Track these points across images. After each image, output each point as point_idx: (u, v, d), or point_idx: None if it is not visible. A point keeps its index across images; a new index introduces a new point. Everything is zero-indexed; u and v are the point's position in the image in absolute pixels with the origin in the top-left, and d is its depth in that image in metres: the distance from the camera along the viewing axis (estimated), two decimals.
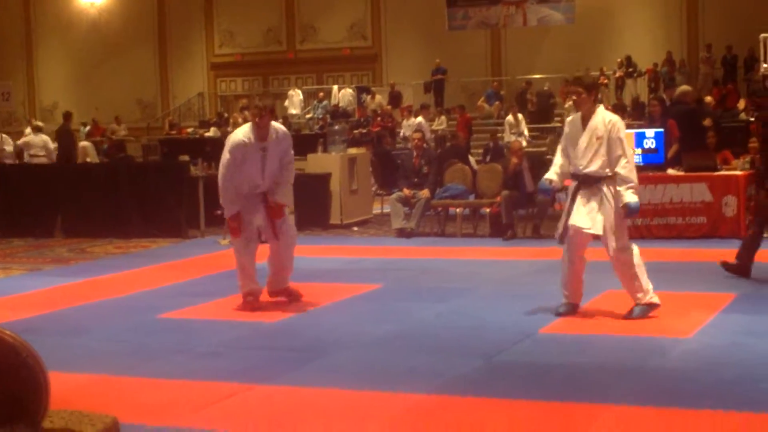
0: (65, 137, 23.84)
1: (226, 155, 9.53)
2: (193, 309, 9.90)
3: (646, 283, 8.71)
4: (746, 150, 15.16)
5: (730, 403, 6.15)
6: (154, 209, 16.16)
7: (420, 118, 27.33)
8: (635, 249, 8.73)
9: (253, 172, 9.55)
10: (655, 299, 8.73)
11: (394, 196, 15.62)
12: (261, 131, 9.51)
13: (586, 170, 8.69)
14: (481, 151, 25.88)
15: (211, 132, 29.98)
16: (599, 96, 8.93)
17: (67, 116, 24.37)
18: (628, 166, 8.57)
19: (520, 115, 28.08)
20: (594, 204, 8.68)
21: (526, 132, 27.38)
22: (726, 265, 10.78)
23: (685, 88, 15.97)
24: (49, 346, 7.92)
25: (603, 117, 8.71)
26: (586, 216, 8.72)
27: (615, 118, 8.80)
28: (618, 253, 8.68)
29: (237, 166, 9.47)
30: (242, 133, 9.59)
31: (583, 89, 8.85)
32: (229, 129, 30.05)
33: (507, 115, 28.60)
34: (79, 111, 36.63)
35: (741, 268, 10.66)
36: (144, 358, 7.86)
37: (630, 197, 8.51)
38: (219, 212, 10.71)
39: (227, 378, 7.12)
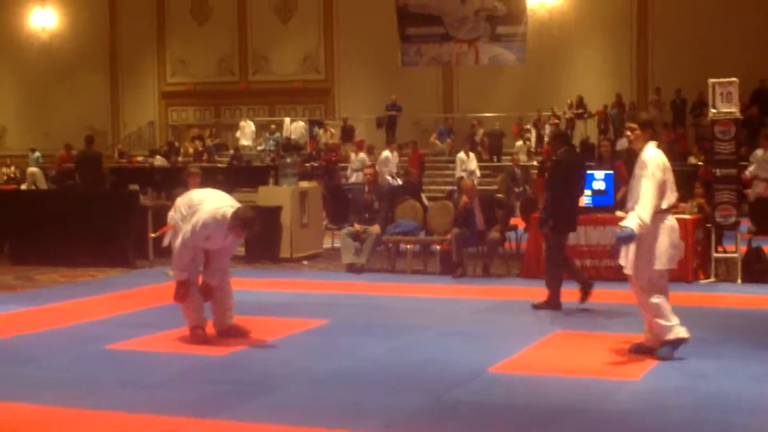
0: (91, 162, 22.11)
1: (197, 225, 9.39)
2: (140, 340, 9.81)
3: (667, 320, 8.74)
4: (692, 195, 15.31)
5: None
6: (102, 238, 16.01)
7: (387, 152, 27.29)
8: (657, 297, 8.73)
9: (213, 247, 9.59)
10: (682, 334, 8.74)
11: (344, 231, 15.59)
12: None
13: (629, 205, 8.82)
14: (433, 187, 26.02)
15: (157, 160, 29.79)
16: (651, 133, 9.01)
17: (90, 140, 22.81)
18: (640, 204, 8.58)
19: (471, 153, 28.23)
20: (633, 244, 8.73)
21: (477, 170, 27.49)
22: (537, 305, 11.48)
23: None
24: None
25: (643, 154, 8.79)
26: (626, 255, 8.84)
27: (647, 155, 8.76)
28: (637, 295, 8.86)
29: (201, 241, 9.43)
30: (218, 215, 9.40)
31: (637, 126, 8.99)
32: (180, 159, 30.02)
33: (459, 152, 28.71)
34: (29, 136, 36.42)
35: (551, 303, 11.44)
36: (89, 390, 7.76)
37: (631, 222, 8.57)
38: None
39: (173, 412, 7.06)
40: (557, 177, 11.74)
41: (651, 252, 8.65)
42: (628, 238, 8.59)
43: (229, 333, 9.84)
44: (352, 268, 15.11)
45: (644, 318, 8.98)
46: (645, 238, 8.61)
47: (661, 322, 8.71)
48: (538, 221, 12.44)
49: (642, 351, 8.91)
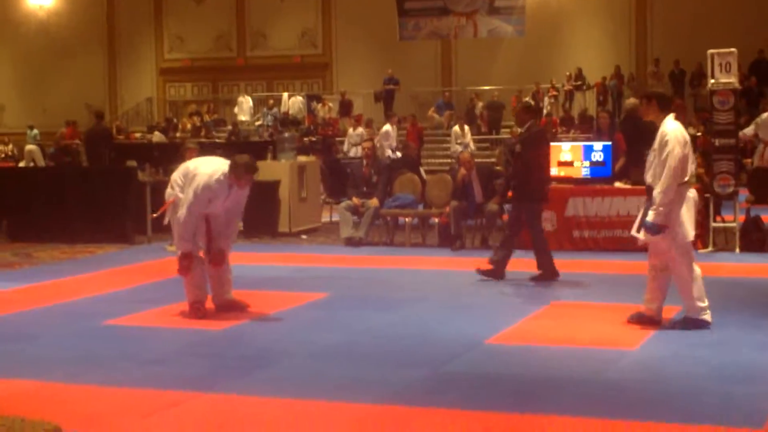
0: (101, 139, 21.19)
1: (198, 189, 9.34)
2: (138, 316, 9.82)
3: (702, 301, 8.74)
4: None
5: (674, 415, 6.19)
6: (101, 214, 16.00)
7: (387, 126, 27.21)
8: (695, 272, 8.71)
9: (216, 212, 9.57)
10: (708, 318, 8.73)
11: (343, 204, 15.60)
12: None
13: (647, 178, 8.77)
14: (431, 161, 25.99)
15: (155, 136, 29.74)
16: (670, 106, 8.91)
17: (100, 115, 22.34)
18: (662, 184, 8.48)
19: (466, 127, 28.19)
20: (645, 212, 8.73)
21: (471, 144, 27.45)
22: (481, 271, 11.58)
23: (633, 101, 16.10)
24: None
25: (662, 128, 8.69)
26: (638, 222, 8.87)
27: (668, 129, 8.64)
28: (654, 272, 8.88)
29: (204, 205, 9.43)
30: (217, 174, 9.40)
31: (644, 98, 9.04)
32: (178, 135, 29.97)
33: (455, 125, 28.66)
34: (27, 114, 36.36)
35: (496, 272, 11.53)
36: (89, 365, 7.77)
37: (649, 216, 8.54)
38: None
39: (172, 386, 7.06)
40: (528, 149, 11.66)
41: (677, 224, 8.62)
42: (653, 230, 8.57)
43: (228, 307, 9.84)
44: (350, 242, 15.13)
45: (648, 287, 8.95)
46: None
47: (698, 303, 8.69)
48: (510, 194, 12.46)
49: (641, 321, 8.91)
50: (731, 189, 14.01)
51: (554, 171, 13.86)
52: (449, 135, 28.99)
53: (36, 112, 37.12)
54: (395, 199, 15.58)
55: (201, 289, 9.78)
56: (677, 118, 8.80)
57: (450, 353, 8.02)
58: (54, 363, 7.89)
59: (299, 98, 34.27)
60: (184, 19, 37.61)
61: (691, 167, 8.84)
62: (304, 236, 16.56)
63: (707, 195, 14.15)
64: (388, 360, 7.87)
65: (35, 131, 34.46)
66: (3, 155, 34.25)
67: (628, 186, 14.17)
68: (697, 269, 8.73)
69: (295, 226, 16.65)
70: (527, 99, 19.23)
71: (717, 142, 14.13)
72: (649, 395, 6.73)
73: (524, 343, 8.41)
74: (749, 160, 18.29)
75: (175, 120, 34.47)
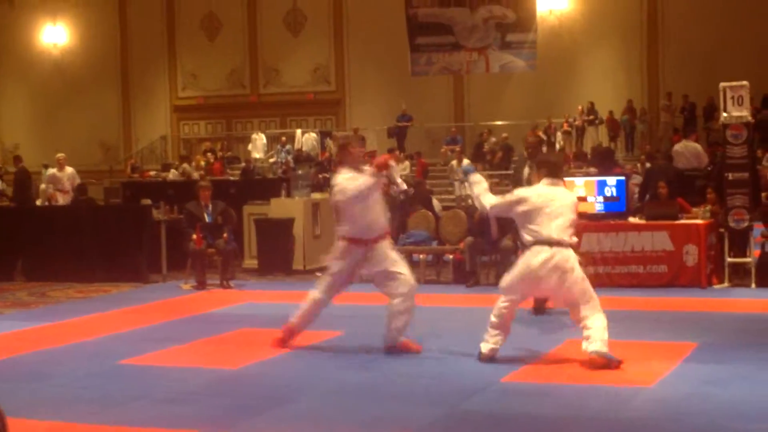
0: (26, 179, 23.09)
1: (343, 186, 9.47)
2: (153, 355, 9.82)
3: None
4: (704, 199, 15.32)
5: None
6: (116, 253, 16.05)
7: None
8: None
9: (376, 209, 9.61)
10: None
11: None
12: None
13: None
14: (445, 197, 25.88)
15: (171, 174, 29.85)
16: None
17: (17, 159, 23.60)
18: None
19: (466, 161, 28.08)
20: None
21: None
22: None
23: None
24: (9, 392, 7.90)
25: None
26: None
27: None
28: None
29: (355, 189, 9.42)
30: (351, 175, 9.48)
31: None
32: (194, 174, 30.04)
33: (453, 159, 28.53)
34: (41, 152, 36.43)
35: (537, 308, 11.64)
36: (104, 405, 7.77)
37: None
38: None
39: (189, 426, 7.06)
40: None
41: None
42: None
43: (399, 350, 9.72)
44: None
45: None
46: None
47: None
48: None
49: None
50: (746, 224, 13.98)
51: None
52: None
53: (51, 151, 37.17)
54: (409, 236, 15.58)
55: (306, 323, 9.85)
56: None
57: (466, 392, 8.00)
58: (69, 402, 7.89)
59: (313, 135, 34.35)
60: (197, 56, 37.78)
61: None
62: (318, 274, 16.50)
63: (722, 230, 14.12)
64: (404, 398, 7.85)
65: (50, 170, 34.52)
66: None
67: (642, 221, 14.16)
68: None
69: (309, 263, 16.64)
70: (540, 133, 19.33)
71: (731, 176, 14.11)
72: None
73: (541, 381, 8.38)
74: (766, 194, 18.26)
75: (189, 158, 34.53)
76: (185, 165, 31.03)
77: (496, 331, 8.98)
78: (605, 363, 8.55)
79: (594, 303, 8.79)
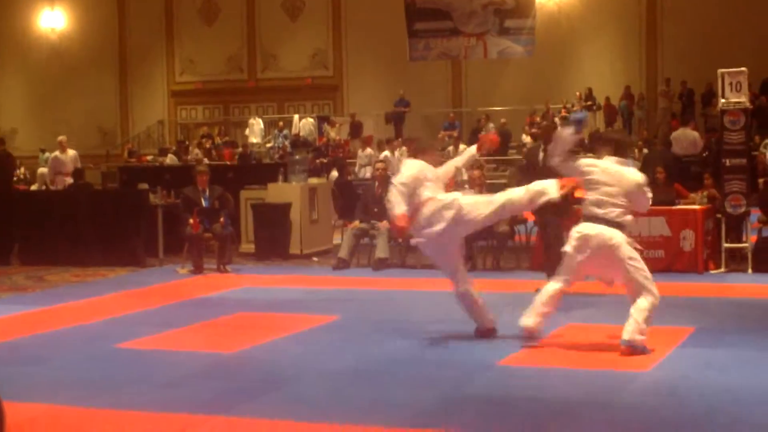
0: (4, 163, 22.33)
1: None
2: (150, 339, 9.82)
3: None
4: (701, 185, 15.33)
5: None
6: (113, 237, 16.04)
7: (386, 152, 27.19)
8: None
9: None
10: None
11: (351, 229, 15.55)
12: None
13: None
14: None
15: (168, 159, 29.81)
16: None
17: (1, 140, 23.14)
18: None
19: (462, 146, 28.02)
20: None
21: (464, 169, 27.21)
22: None
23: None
24: (6, 376, 7.90)
25: None
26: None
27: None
28: None
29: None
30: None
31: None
32: (190, 157, 30.03)
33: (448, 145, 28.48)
34: (39, 137, 36.41)
35: None
36: (101, 389, 7.77)
37: None
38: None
39: (185, 409, 7.06)
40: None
41: None
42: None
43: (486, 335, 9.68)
44: (338, 264, 15.09)
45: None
46: None
47: None
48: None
49: None
50: (743, 209, 13.98)
51: None
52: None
53: (48, 135, 37.16)
54: None
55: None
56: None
57: (464, 375, 8.01)
58: (66, 386, 7.89)
59: (310, 120, 34.30)
60: (195, 41, 37.71)
61: None
62: (315, 258, 16.55)
63: (719, 215, 14.12)
64: (401, 382, 7.85)
65: (47, 154, 34.48)
66: (15, 178, 34.29)
67: None
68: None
69: (306, 248, 16.64)
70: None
71: (728, 162, 14.10)
72: (663, 417, 6.71)
73: (538, 365, 8.39)
74: (762, 180, 18.27)
75: (186, 142, 34.51)
76: (197, 150, 31.09)
77: (545, 309, 9.01)
78: (629, 352, 8.50)
79: (636, 285, 8.68)
